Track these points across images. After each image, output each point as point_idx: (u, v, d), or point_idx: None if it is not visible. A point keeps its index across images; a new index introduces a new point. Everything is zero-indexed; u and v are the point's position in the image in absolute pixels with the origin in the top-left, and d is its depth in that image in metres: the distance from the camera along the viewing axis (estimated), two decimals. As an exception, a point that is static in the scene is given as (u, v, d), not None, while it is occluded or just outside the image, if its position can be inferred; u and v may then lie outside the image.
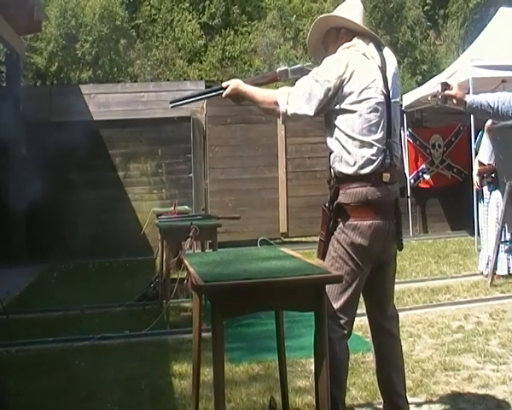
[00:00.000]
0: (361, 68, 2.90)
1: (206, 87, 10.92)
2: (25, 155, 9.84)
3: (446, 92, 3.34)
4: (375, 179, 2.89)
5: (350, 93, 2.89)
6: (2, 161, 9.70)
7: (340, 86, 2.88)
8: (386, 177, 2.91)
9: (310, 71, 3.10)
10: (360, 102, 2.88)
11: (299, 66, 3.20)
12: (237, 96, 3.07)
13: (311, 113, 2.92)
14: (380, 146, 2.90)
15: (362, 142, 2.88)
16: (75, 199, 10.14)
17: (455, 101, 3.34)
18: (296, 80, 3.11)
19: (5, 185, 9.71)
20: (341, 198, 2.92)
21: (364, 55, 2.94)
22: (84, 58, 18.36)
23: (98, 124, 10.34)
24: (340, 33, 3.05)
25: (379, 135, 2.90)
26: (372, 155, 2.88)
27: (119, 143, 10.50)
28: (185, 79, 17.97)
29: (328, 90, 2.88)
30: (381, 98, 2.91)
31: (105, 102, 10.44)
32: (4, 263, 8.64)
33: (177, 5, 21.09)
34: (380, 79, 2.92)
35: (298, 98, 2.92)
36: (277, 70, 3.21)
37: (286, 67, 3.20)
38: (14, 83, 10.25)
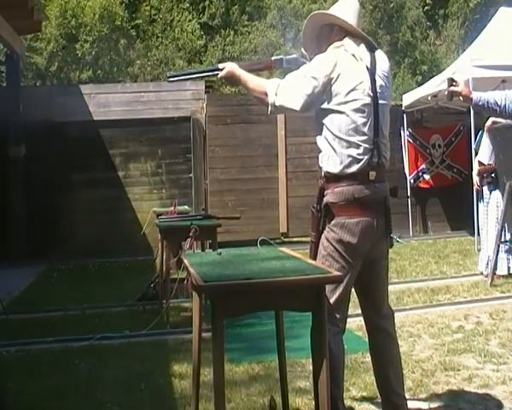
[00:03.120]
0: (349, 69, 2.93)
1: (207, 87, 10.97)
2: (25, 154, 9.85)
3: (452, 88, 3.33)
4: (362, 178, 2.92)
5: (337, 94, 2.92)
6: (2, 161, 9.71)
7: (327, 85, 2.92)
8: (373, 175, 2.94)
9: (305, 63, 3.13)
10: (346, 103, 2.91)
11: (294, 56, 3.22)
12: (231, 79, 3.12)
13: (297, 108, 2.97)
14: (367, 146, 2.93)
15: (348, 142, 2.91)
16: (75, 199, 10.14)
17: (461, 97, 3.33)
18: (290, 70, 3.14)
19: (6, 185, 9.72)
20: (329, 198, 2.96)
21: (353, 55, 2.97)
22: (84, 58, 18.35)
23: (98, 124, 10.34)
24: (334, 31, 3.08)
25: (365, 136, 2.93)
26: (358, 155, 2.92)
27: (119, 143, 10.50)
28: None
29: (315, 87, 2.92)
30: (368, 100, 2.93)
31: (105, 102, 10.44)
32: (4, 263, 8.64)
33: (177, 5, 21.07)
34: (367, 80, 2.94)
35: (286, 91, 2.97)
36: (273, 58, 3.27)
37: (281, 56, 3.24)
38: (14, 83, 10.24)
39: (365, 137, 2.92)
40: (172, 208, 6.86)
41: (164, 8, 20.91)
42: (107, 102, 10.44)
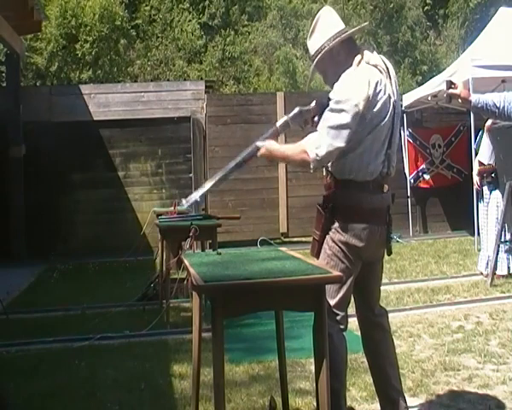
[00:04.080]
0: (378, 84, 2.88)
1: (207, 87, 10.97)
2: (25, 154, 9.86)
3: (451, 91, 3.32)
4: (373, 187, 2.93)
5: (368, 109, 2.85)
6: (2, 161, 9.72)
7: (366, 106, 2.83)
8: (386, 188, 2.97)
9: (308, 111, 3.03)
10: (376, 117, 2.87)
11: (296, 111, 3.05)
12: (271, 156, 3.05)
13: (343, 144, 2.83)
14: (383, 158, 2.94)
15: (369, 155, 2.90)
16: (75, 199, 10.15)
17: (460, 100, 3.33)
18: (299, 126, 3.04)
19: (6, 185, 9.72)
20: (339, 200, 2.96)
21: (376, 67, 2.93)
22: (84, 58, 18.33)
23: (98, 124, 10.35)
24: (333, 52, 2.98)
25: (384, 148, 2.94)
26: (376, 166, 2.92)
27: (119, 143, 10.51)
28: (185, 79, 17.97)
29: (357, 114, 2.81)
30: (391, 113, 2.93)
31: (105, 102, 10.45)
32: (4, 263, 8.64)
33: (177, 5, 21.06)
34: (391, 93, 2.94)
35: (327, 137, 2.83)
36: (277, 124, 3.08)
37: (285, 118, 3.06)
38: (14, 83, 10.25)
39: (383, 152, 2.93)
40: (172, 208, 6.86)
41: (164, 9, 20.90)
42: (107, 102, 10.45)
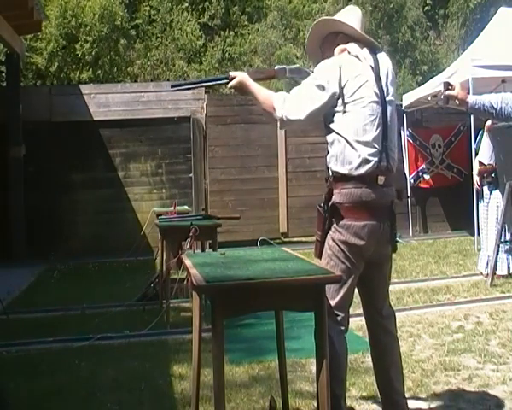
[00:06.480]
0: (354, 70, 2.93)
1: (207, 87, 10.95)
2: (25, 154, 9.86)
3: (448, 92, 3.32)
4: (370, 181, 2.91)
5: (344, 95, 2.91)
6: (2, 161, 9.72)
7: (334, 90, 2.91)
8: (381, 180, 2.93)
9: (307, 72, 3.12)
10: (354, 101, 2.91)
11: (297, 66, 3.23)
12: (241, 90, 3.11)
13: (302, 117, 2.94)
14: (376, 147, 2.92)
15: (358, 142, 2.90)
16: (75, 199, 10.15)
17: (457, 101, 3.33)
18: (293, 80, 3.13)
19: (6, 185, 9.72)
20: (336, 198, 2.95)
21: (357, 57, 2.97)
22: (84, 58, 18.32)
23: (98, 124, 10.35)
24: (338, 38, 3.08)
25: (374, 134, 2.91)
26: (368, 156, 2.90)
27: (119, 143, 10.52)
28: (185, 79, 17.97)
29: (322, 96, 2.91)
30: (375, 97, 2.93)
31: (105, 102, 10.45)
32: (4, 263, 8.64)
33: (177, 6, 21.04)
34: (372, 79, 2.95)
35: (292, 103, 2.95)
36: (276, 67, 3.23)
37: (284, 66, 3.22)
38: (14, 83, 10.25)
39: (374, 135, 2.91)
40: (172, 208, 6.87)
41: (163, 9, 20.88)
42: (107, 102, 10.46)
